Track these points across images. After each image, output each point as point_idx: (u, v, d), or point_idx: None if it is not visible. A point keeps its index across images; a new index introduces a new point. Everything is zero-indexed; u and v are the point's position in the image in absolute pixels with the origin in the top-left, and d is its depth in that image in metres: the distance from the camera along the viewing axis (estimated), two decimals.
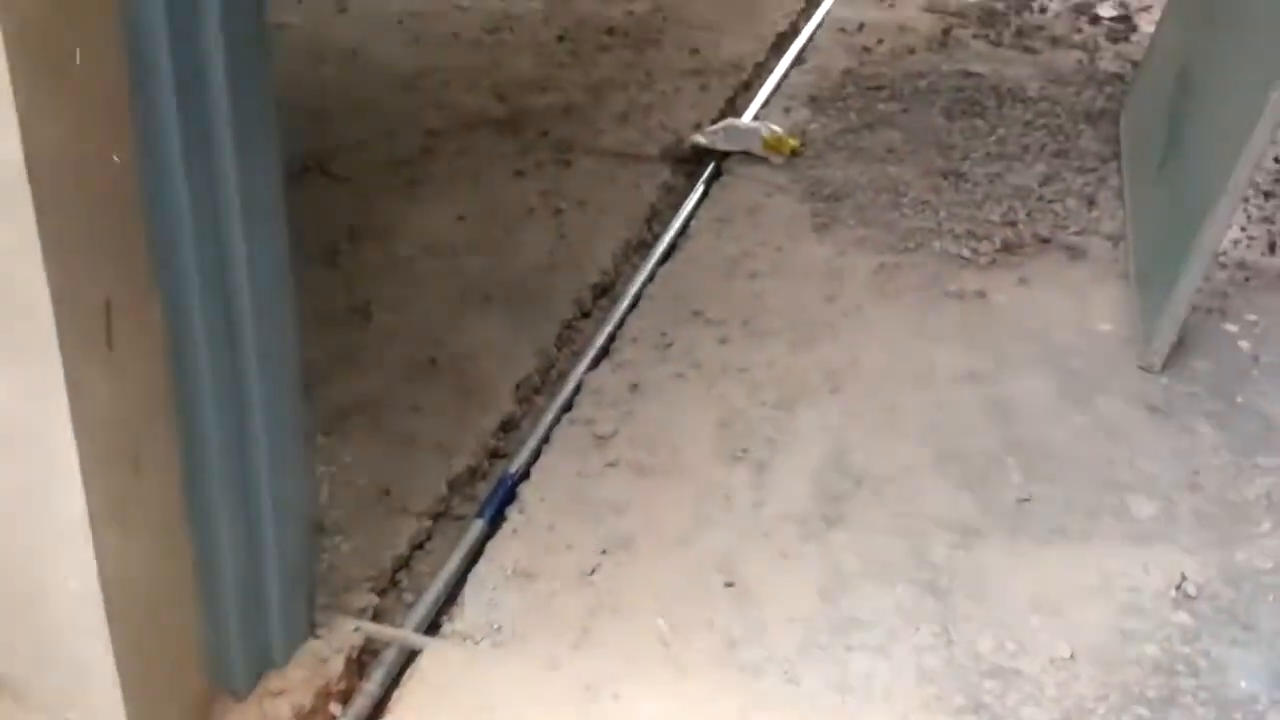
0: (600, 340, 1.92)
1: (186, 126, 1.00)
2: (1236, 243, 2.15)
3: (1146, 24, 3.13)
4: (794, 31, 3.07)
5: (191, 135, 1.01)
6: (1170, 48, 2.43)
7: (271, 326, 1.13)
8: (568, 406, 1.77)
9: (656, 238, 2.23)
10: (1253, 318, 1.95)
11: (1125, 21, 3.20)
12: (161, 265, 1.03)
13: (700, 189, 2.38)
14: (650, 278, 2.09)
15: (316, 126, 2.43)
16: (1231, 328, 1.92)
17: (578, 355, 1.90)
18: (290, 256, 1.14)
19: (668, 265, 2.13)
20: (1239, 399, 1.78)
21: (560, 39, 2.92)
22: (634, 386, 1.80)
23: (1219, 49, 2.06)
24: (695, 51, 2.88)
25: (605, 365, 1.85)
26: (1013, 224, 2.22)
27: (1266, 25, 1.78)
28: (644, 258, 2.17)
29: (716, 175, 2.42)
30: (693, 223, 2.26)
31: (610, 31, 2.97)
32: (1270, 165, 2.43)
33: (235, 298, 1.09)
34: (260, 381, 1.14)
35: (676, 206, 2.33)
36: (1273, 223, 2.23)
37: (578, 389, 1.80)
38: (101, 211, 0.97)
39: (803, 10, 3.18)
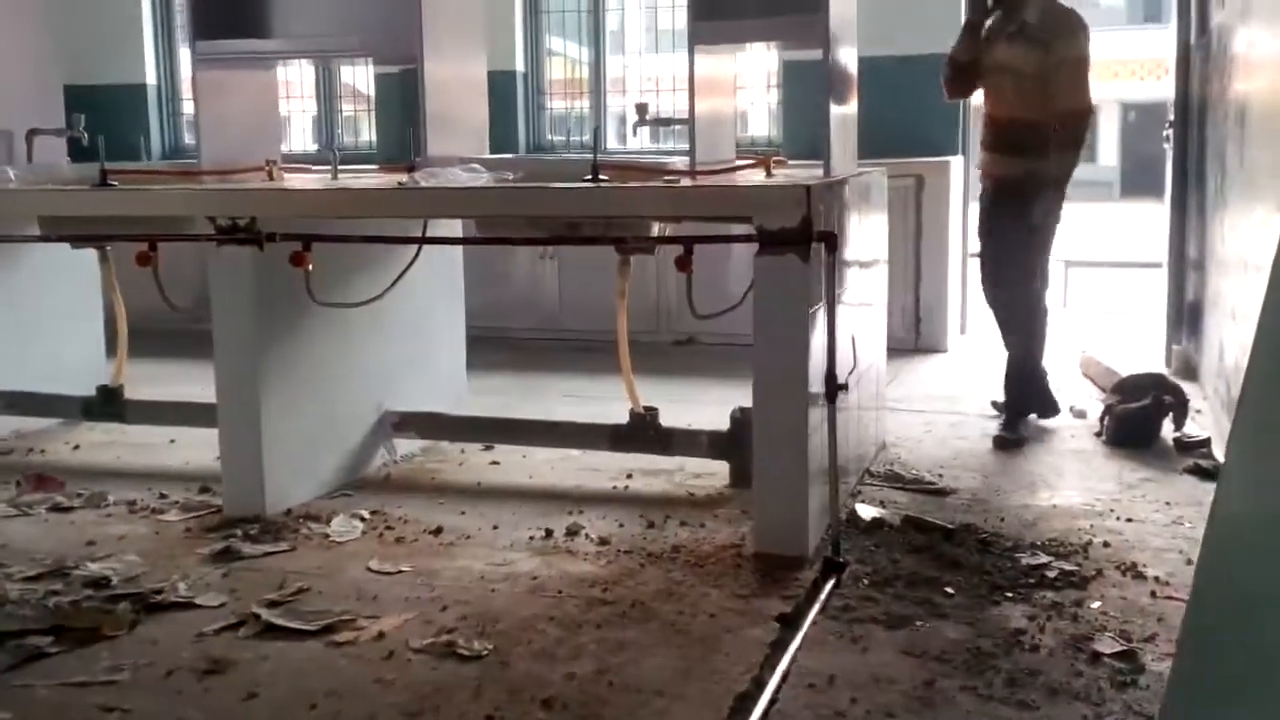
0: None
1: None
2: None
3: (1155, 662, 2.81)
4: (758, 688, 2.74)
5: None
6: None
7: None
8: None
9: None
10: None
11: (1130, 659, 2.87)
12: None
13: None
14: None
15: None
16: None
17: None
18: None
19: None
20: None
21: (489, 718, 2.59)
22: None
23: None
24: None
25: None
26: None
27: None
28: None
29: None
30: None
31: (548, 704, 2.64)
32: None
33: None
34: None
35: None
36: None
37: None
38: None
39: (766, 659, 2.88)
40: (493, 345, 6.14)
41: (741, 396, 4.20)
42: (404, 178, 3.81)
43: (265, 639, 3.00)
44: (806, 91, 6.67)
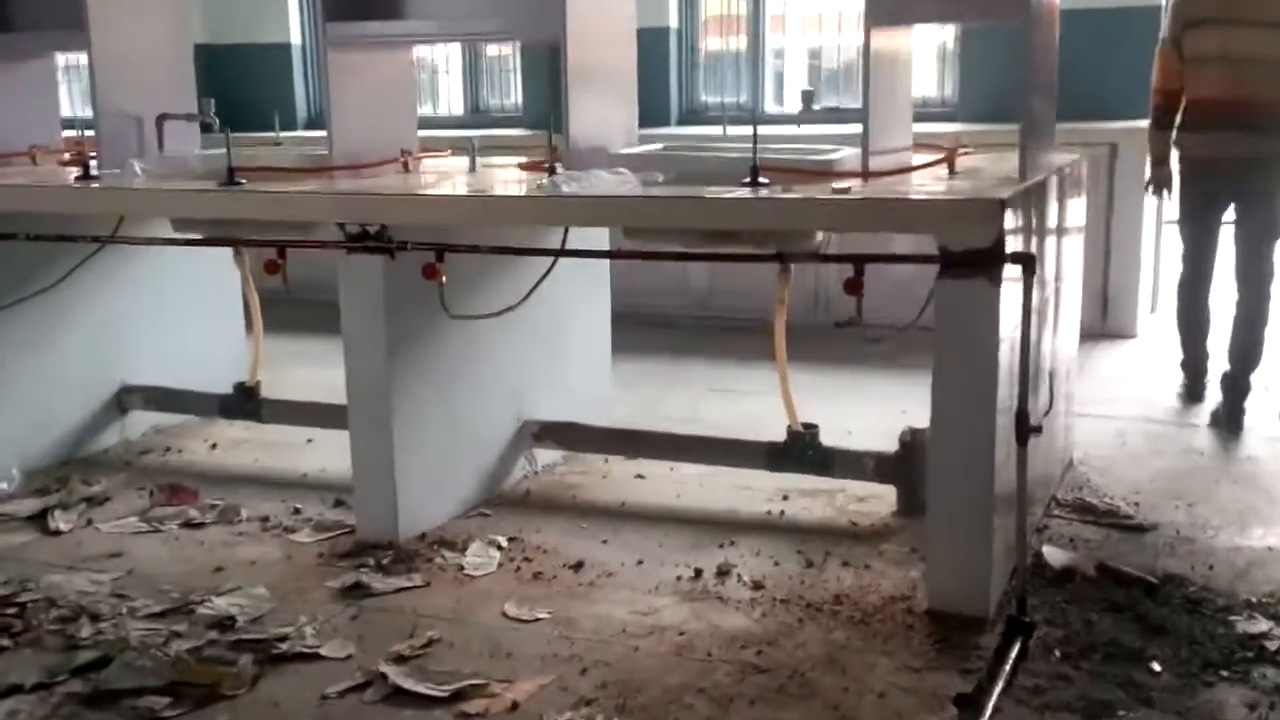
0: None
1: None
2: None
3: None
4: None
5: None
6: None
7: None
8: None
9: None
10: None
11: None
12: None
13: None
14: None
15: None
16: None
17: None
18: None
19: None
20: None
21: None
22: None
23: None
24: None
25: None
26: None
27: None
28: None
29: None
30: None
31: None
32: None
33: None
34: None
35: None
36: None
37: None
38: None
39: None
40: (642, 324, 5.84)
41: (909, 391, 3.76)
42: (544, 180, 3.48)
43: (391, 704, 2.77)
44: (987, 49, 6.10)
